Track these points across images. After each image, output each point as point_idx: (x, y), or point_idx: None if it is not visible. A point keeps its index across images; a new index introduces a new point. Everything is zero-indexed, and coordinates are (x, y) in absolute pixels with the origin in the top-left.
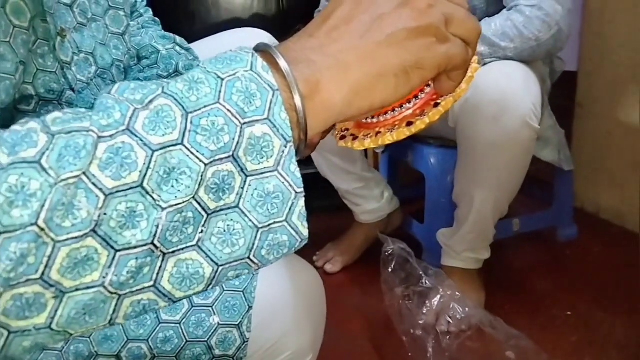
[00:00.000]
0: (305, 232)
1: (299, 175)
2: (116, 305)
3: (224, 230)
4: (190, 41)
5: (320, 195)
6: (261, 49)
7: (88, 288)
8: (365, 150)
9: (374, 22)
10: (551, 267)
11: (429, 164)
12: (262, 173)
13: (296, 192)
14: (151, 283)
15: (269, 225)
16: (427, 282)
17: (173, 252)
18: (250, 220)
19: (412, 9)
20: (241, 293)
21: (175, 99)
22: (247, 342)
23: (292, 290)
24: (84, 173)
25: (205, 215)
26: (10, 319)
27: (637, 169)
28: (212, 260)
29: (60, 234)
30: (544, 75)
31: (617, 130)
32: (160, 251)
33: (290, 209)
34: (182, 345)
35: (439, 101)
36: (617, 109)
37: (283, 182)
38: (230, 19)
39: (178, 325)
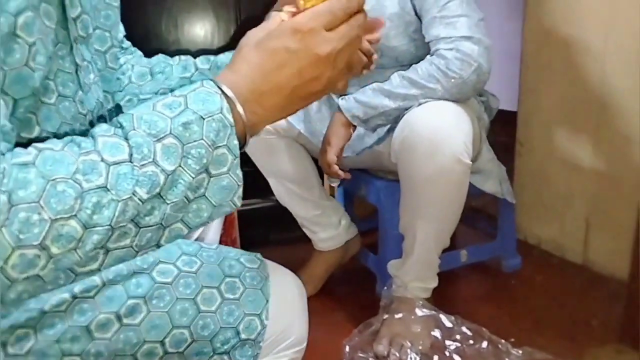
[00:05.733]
0: (239, 203)
1: (241, 175)
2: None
3: (196, 208)
4: None
5: (279, 228)
6: (223, 91)
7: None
8: (322, 183)
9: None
10: (496, 296)
11: (381, 197)
12: (219, 175)
13: (238, 185)
14: (155, 245)
15: (221, 204)
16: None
17: (169, 225)
18: (212, 202)
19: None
20: (260, 290)
21: (176, 137)
22: (265, 327)
23: (293, 291)
24: (133, 193)
25: (188, 203)
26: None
27: (572, 203)
28: (187, 225)
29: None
30: (479, 112)
31: (554, 167)
32: (163, 225)
33: (234, 194)
34: (217, 331)
35: None
36: (553, 146)
37: (232, 180)
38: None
39: (214, 314)
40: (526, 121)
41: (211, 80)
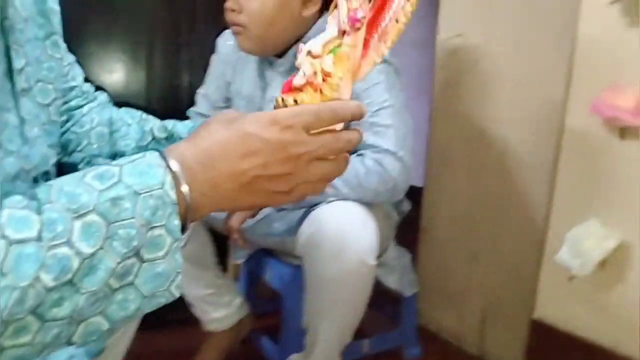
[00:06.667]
0: (177, 293)
1: (181, 260)
2: None
3: (121, 299)
4: None
5: (177, 307)
6: (169, 164)
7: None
8: (225, 263)
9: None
10: None
11: (285, 284)
12: (154, 260)
13: (177, 272)
14: (66, 342)
15: (153, 294)
16: None
17: (85, 319)
18: (141, 292)
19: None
20: None
21: (101, 214)
22: None
23: None
24: (36, 279)
25: (111, 293)
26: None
27: (470, 293)
28: (109, 320)
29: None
30: (389, 211)
31: (454, 256)
32: (75, 319)
33: (171, 282)
34: None
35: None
36: (454, 236)
37: (169, 265)
38: None
39: None
40: (430, 209)
41: (157, 151)
